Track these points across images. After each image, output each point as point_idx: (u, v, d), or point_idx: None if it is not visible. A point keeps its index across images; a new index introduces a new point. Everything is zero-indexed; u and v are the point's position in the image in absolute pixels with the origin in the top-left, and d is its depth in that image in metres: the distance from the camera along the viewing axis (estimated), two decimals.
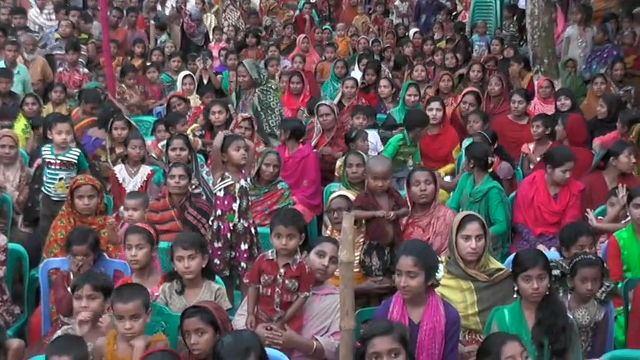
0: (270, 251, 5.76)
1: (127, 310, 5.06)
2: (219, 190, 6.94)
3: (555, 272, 5.67)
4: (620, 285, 6.56)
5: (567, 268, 5.90)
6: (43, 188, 8.38)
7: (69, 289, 6.06)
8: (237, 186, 6.91)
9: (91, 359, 5.15)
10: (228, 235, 6.89)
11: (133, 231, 6.24)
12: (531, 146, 9.66)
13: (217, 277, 6.28)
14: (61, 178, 8.29)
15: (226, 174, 6.95)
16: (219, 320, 4.93)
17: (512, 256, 6.37)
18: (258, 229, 7.15)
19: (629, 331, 6.21)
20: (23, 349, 4.99)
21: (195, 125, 10.91)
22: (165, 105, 12.01)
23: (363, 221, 6.85)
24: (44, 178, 8.34)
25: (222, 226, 6.92)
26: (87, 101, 11.04)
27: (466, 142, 9.41)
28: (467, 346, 5.69)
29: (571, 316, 5.48)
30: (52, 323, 6.31)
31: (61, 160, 8.32)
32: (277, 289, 5.62)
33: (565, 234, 6.63)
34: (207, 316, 4.92)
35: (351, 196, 7.19)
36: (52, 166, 8.33)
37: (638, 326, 5.97)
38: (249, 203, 7.12)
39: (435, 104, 10.32)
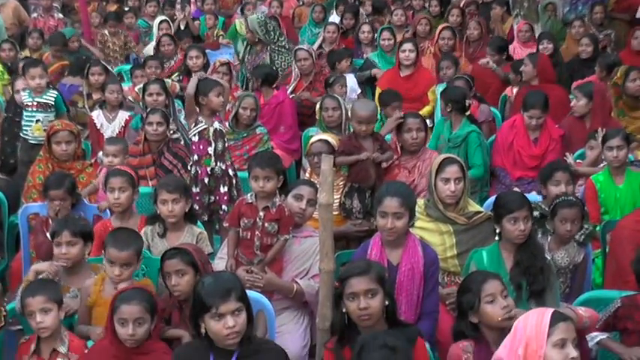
0: (249, 194, 5.78)
1: (119, 258, 5.07)
2: (194, 135, 6.98)
3: (535, 214, 5.72)
4: (597, 228, 6.64)
5: (547, 209, 5.97)
6: (21, 133, 8.38)
7: (48, 234, 6.08)
8: (211, 129, 6.94)
9: (79, 299, 5.23)
10: (206, 180, 6.93)
11: (115, 174, 6.24)
12: (515, 90, 9.68)
13: (199, 223, 6.31)
14: (37, 120, 8.32)
15: (199, 118, 6.96)
16: (200, 262, 4.95)
17: (492, 199, 6.42)
18: (238, 173, 7.18)
19: (606, 272, 6.27)
20: (1, 293, 4.98)
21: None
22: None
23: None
24: (22, 122, 8.34)
25: (199, 171, 6.96)
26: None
27: (440, 88, 9.39)
28: (446, 288, 5.73)
29: (550, 258, 5.55)
30: None
31: (38, 102, 8.36)
32: (257, 232, 5.64)
33: (542, 171, 6.73)
34: (187, 258, 4.94)
35: (331, 139, 7.20)
36: (30, 108, 8.36)
37: (615, 268, 6.00)
38: (226, 145, 7.14)
39: (408, 45, 10.16)
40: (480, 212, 6.03)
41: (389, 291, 4.56)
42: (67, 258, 5.34)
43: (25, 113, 8.45)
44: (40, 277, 5.23)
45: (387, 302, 4.50)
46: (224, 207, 6.91)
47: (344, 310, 4.51)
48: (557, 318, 3.87)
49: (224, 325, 4.12)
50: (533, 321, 3.92)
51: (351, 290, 4.45)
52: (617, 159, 6.92)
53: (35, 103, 8.37)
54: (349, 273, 4.55)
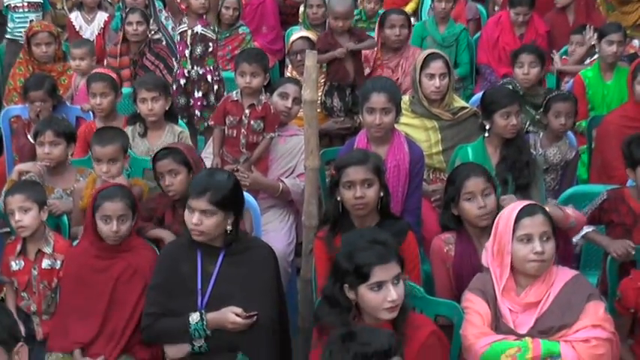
0: (234, 92, 5.76)
1: (104, 154, 5.07)
2: (177, 35, 6.91)
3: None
4: (584, 123, 6.66)
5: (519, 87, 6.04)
6: (8, 35, 8.29)
7: (30, 136, 6.05)
8: (190, 32, 6.82)
9: (64, 200, 5.26)
10: (182, 82, 6.86)
11: (95, 79, 6.14)
12: None
13: (180, 122, 6.29)
14: (31, 20, 8.21)
15: (184, 19, 6.88)
16: (192, 160, 4.92)
17: (478, 96, 6.43)
18: (222, 73, 7.11)
19: (592, 168, 6.32)
20: None
21: None
22: None
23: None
24: (11, 24, 8.24)
25: (178, 71, 6.92)
26: None
27: None
28: (431, 185, 5.74)
29: (542, 154, 5.57)
30: None
31: (29, 2, 8.23)
32: (243, 130, 5.64)
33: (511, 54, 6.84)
34: (179, 157, 4.89)
35: (313, 37, 7.14)
36: (20, 10, 8.24)
37: (601, 163, 6.05)
38: (209, 50, 6.95)
39: None
40: (465, 108, 6.00)
41: (384, 183, 4.55)
42: (50, 158, 5.32)
43: (15, 15, 8.34)
44: (24, 177, 5.24)
45: (381, 194, 4.50)
46: (197, 112, 6.85)
47: (338, 199, 4.49)
48: (524, 213, 3.89)
49: (190, 219, 4.15)
50: (505, 216, 3.96)
51: (348, 179, 4.42)
52: (615, 54, 6.90)
53: (25, 4, 8.28)
54: (347, 162, 4.51)
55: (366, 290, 3.66)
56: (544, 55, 6.72)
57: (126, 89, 6.67)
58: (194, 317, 4.13)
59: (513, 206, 4.02)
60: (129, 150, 5.33)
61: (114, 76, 6.25)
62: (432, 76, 5.84)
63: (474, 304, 3.94)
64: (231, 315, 4.08)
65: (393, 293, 3.63)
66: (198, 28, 6.86)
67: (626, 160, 4.83)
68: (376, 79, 5.88)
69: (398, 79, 7.10)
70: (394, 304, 3.63)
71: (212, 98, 6.85)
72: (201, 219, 4.12)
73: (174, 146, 5.13)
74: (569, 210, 4.69)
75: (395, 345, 2.86)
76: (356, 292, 3.69)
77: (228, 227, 4.20)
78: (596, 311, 3.81)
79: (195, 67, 6.87)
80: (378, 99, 5.09)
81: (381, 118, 5.08)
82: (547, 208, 4.37)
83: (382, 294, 3.64)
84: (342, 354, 2.90)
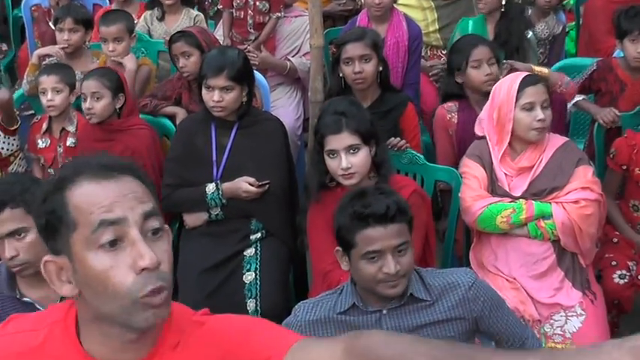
0: None
1: (109, 33, 5.03)
2: None
3: None
4: (572, 1, 6.54)
5: None
6: None
7: (51, 23, 5.95)
8: None
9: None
10: None
11: None
12: None
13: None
14: None
15: None
16: (204, 42, 4.82)
17: None
18: None
19: (579, 42, 6.27)
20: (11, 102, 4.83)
21: None
22: None
23: None
24: None
25: None
26: None
27: None
28: (429, 61, 5.68)
29: (531, 32, 5.46)
30: None
31: None
32: (249, 11, 5.53)
33: None
34: (192, 40, 4.81)
35: None
36: None
37: (588, 38, 5.97)
38: None
39: None
40: None
41: (382, 57, 4.50)
42: (70, 44, 5.22)
43: None
44: (45, 61, 5.15)
45: (380, 68, 4.45)
46: None
47: (340, 75, 4.48)
48: (526, 82, 3.80)
49: (211, 97, 4.06)
50: (506, 86, 3.87)
51: (347, 55, 4.41)
52: None
53: None
54: (345, 39, 4.50)
55: (326, 157, 3.62)
56: None
57: None
58: (210, 187, 4.08)
59: (514, 76, 3.93)
60: (145, 34, 5.24)
61: None
62: None
63: (471, 169, 3.90)
64: (245, 184, 4.04)
65: (344, 162, 3.55)
66: None
67: (616, 31, 4.72)
68: None
69: None
70: (346, 172, 3.55)
71: None
72: (221, 95, 4.04)
73: (188, 30, 5.05)
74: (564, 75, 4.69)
75: (394, 213, 2.78)
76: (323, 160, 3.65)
77: (244, 99, 4.12)
78: (585, 174, 3.78)
79: None
80: None
81: None
82: (547, 70, 4.33)
83: (336, 162, 3.57)
84: (346, 210, 2.84)
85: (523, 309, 3.60)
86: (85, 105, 4.37)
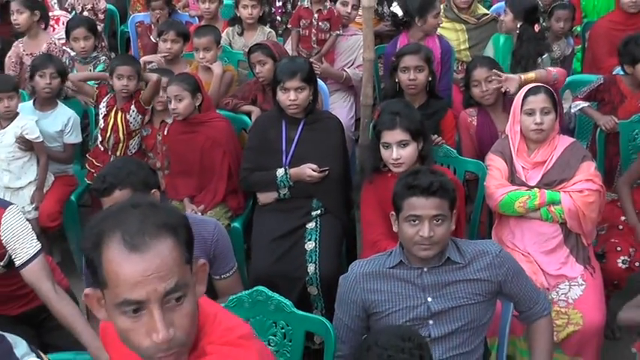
0: (306, 1, 5.60)
1: (201, 44, 5.05)
2: None
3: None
4: (579, 28, 6.47)
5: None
6: None
7: (152, 37, 6.01)
8: None
9: None
10: None
11: None
12: None
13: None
14: None
15: None
16: (277, 53, 4.83)
17: (497, 5, 6.28)
18: None
19: (585, 62, 6.22)
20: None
21: None
22: None
23: None
24: None
25: None
26: None
27: None
28: (459, 74, 5.63)
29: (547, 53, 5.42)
30: None
31: None
32: (313, 30, 5.52)
33: None
34: (267, 51, 4.81)
35: None
36: None
37: (592, 58, 5.93)
38: None
39: None
40: (486, 14, 5.91)
41: (432, 70, 4.51)
42: (171, 52, 5.26)
43: None
44: (149, 66, 5.20)
45: (430, 78, 4.46)
46: (278, 17, 6.59)
47: (396, 80, 4.48)
48: (530, 92, 3.82)
49: (287, 97, 4.07)
50: (518, 94, 3.91)
51: (404, 65, 4.42)
52: None
53: None
54: (404, 51, 4.52)
55: (381, 147, 3.63)
56: None
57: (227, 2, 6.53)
58: (280, 172, 4.11)
59: (525, 87, 3.93)
60: (227, 46, 5.25)
61: None
62: None
63: (494, 162, 3.90)
64: (309, 170, 4.06)
65: (395, 153, 3.58)
66: None
67: (624, 57, 4.58)
68: None
69: None
70: (396, 161, 3.58)
71: (289, 7, 6.61)
72: (296, 95, 4.06)
73: (264, 42, 5.06)
74: (553, 70, 4.65)
75: (436, 188, 2.80)
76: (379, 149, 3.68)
77: (310, 98, 4.13)
78: (588, 169, 3.76)
79: None
80: None
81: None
82: (533, 73, 4.41)
83: (389, 153, 3.60)
84: (401, 181, 2.90)
85: (535, 278, 3.57)
86: (170, 106, 4.36)
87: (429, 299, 2.83)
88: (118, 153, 4.71)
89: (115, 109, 4.72)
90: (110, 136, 4.71)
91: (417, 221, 2.78)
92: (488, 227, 4.12)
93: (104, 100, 4.79)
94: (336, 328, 2.92)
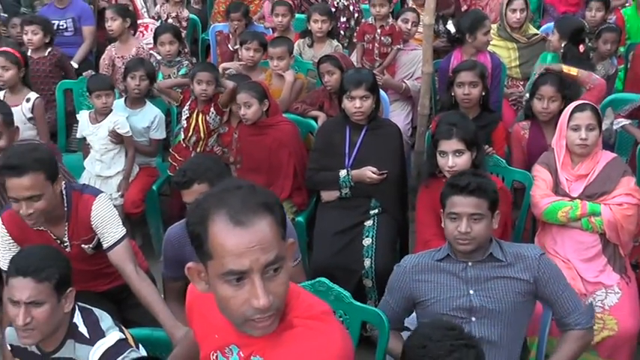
0: (369, 18, 5.60)
1: (275, 53, 5.02)
2: None
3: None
4: (622, 49, 6.31)
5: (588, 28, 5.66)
6: None
7: (229, 45, 6.05)
8: None
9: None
10: (332, 10, 6.49)
11: (280, 3, 5.93)
12: None
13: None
14: None
15: None
16: (344, 65, 4.80)
17: (546, 26, 6.18)
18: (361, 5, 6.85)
19: (627, 81, 6.02)
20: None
21: None
22: None
23: None
24: None
25: (329, 2, 6.57)
26: None
27: None
28: (510, 89, 5.60)
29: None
30: None
31: None
32: (376, 44, 5.50)
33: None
34: (335, 62, 4.78)
35: None
36: None
37: (633, 78, 5.77)
38: None
39: None
40: (536, 34, 5.82)
41: (486, 85, 4.45)
42: (253, 60, 5.26)
43: None
44: (227, 72, 5.23)
45: (483, 93, 4.40)
46: (341, 32, 6.51)
47: (452, 94, 4.43)
48: (577, 108, 3.75)
49: (353, 105, 4.05)
50: (565, 110, 3.83)
51: (460, 80, 4.36)
52: None
53: None
54: (460, 67, 4.46)
55: (438, 155, 3.60)
56: (608, 3, 6.31)
57: (301, 16, 6.47)
58: (342, 172, 4.10)
59: (572, 104, 3.86)
60: (298, 56, 5.25)
61: (290, 1, 6.09)
62: (514, 10, 5.69)
63: (540, 173, 3.83)
64: (369, 172, 4.04)
65: (450, 162, 3.54)
66: None
67: None
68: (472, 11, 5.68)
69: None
70: (451, 169, 3.53)
71: (352, 23, 6.57)
72: (362, 103, 4.04)
73: (332, 54, 5.05)
74: (594, 75, 4.64)
75: (473, 188, 2.80)
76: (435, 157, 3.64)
77: (373, 106, 4.11)
78: (628, 183, 3.67)
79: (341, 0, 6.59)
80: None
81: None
82: (576, 70, 4.42)
83: (444, 160, 3.57)
84: (448, 181, 2.95)
85: (573, 284, 3.48)
86: (240, 112, 4.36)
87: (471, 292, 2.82)
88: (198, 149, 4.76)
89: (196, 111, 4.77)
90: (192, 135, 4.77)
91: (456, 218, 2.82)
92: (532, 234, 4.05)
93: (187, 103, 4.85)
94: (381, 308, 2.96)
